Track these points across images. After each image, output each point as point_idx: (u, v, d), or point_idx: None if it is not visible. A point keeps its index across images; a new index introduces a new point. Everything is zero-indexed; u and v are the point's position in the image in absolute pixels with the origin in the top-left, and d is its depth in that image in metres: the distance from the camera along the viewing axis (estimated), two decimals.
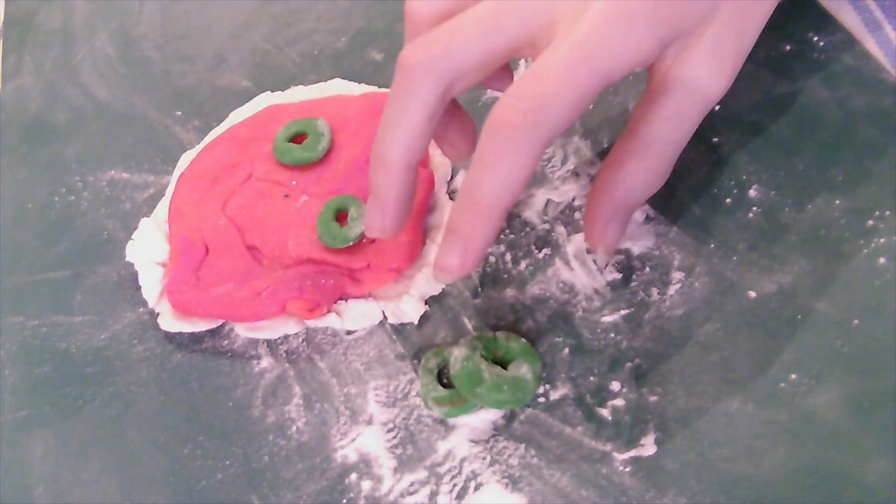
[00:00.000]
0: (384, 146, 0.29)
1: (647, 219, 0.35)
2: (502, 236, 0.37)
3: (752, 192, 0.35)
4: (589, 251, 0.35)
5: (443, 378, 0.34)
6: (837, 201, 0.34)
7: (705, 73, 0.28)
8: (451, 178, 0.39)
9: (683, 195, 0.35)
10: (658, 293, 0.33)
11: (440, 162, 0.39)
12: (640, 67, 0.28)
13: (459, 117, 0.33)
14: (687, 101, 0.29)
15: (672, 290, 0.33)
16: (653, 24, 0.26)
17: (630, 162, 0.29)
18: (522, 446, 0.32)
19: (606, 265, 0.33)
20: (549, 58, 0.26)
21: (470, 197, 0.27)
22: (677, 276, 0.34)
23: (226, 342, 0.37)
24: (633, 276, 0.34)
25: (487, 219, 0.27)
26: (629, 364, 0.32)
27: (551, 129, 0.25)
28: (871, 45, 0.37)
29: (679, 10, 0.27)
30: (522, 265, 0.36)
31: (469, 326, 0.35)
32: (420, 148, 0.29)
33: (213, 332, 0.38)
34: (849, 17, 0.38)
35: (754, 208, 0.34)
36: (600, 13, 0.26)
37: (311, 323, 0.36)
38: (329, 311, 0.36)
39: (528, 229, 0.37)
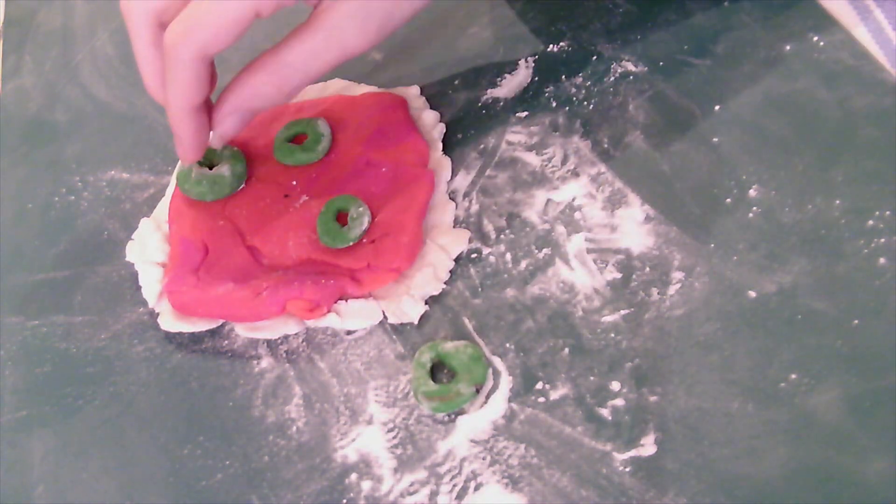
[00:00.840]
0: (171, 101, 0.33)
1: (647, 219, 0.35)
2: (502, 236, 0.37)
3: (752, 192, 0.35)
4: (589, 251, 0.35)
5: (435, 373, 0.34)
6: (837, 201, 0.34)
7: (349, 28, 0.32)
8: (452, 177, 0.39)
9: (683, 195, 0.35)
10: (658, 293, 0.33)
11: (440, 162, 0.39)
12: (291, 5, 0.32)
13: None
14: (327, 45, 0.32)
15: (672, 290, 0.33)
16: None
17: (262, 72, 0.33)
18: (522, 446, 0.32)
19: (221, 148, 0.38)
20: None
21: (169, 110, 0.33)
22: (677, 276, 0.34)
23: (226, 342, 0.37)
24: (633, 276, 0.34)
25: (180, 121, 0.34)
26: (629, 364, 0.32)
27: (202, 44, 0.31)
28: (870, 44, 0.37)
29: None
30: (522, 265, 0.36)
31: (469, 326, 0.35)
32: (199, 94, 0.33)
33: (213, 332, 0.38)
34: (849, 17, 0.38)
35: (754, 208, 0.34)
36: None
37: (311, 323, 0.36)
38: (329, 311, 0.36)
39: (528, 229, 0.37)
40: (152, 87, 0.35)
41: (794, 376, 0.31)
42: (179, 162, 0.41)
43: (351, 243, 0.36)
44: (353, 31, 0.32)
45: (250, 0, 0.31)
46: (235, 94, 0.34)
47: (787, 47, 0.38)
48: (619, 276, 0.34)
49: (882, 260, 0.32)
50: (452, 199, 0.38)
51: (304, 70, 0.33)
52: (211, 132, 0.35)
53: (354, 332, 0.36)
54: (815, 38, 0.38)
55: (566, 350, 0.33)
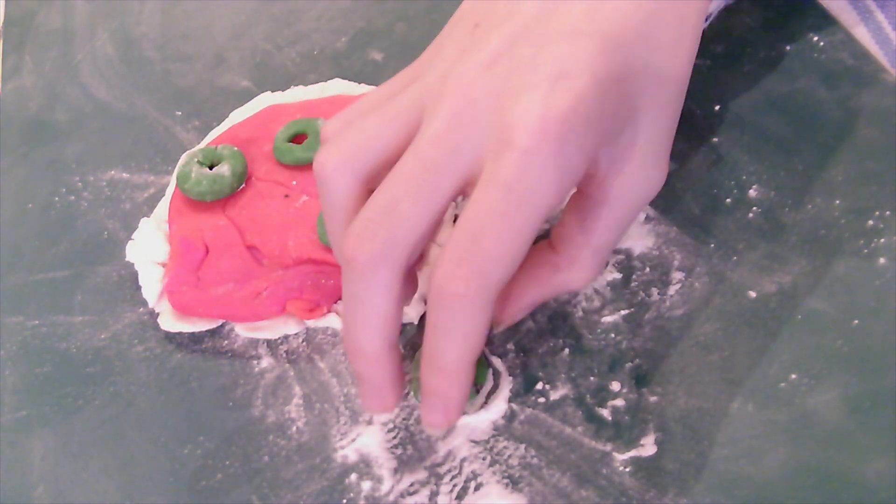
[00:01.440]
0: (361, 338, 0.27)
1: (647, 219, 0.35)
2: None
3: (752, 192, 0.35)
4: None
5: None
6: (837, 201, 0.34)
7: (645, 177, 0.27)
8: None
9: (683, 195, 0.35)
10: (658, 293, 0.33)
11: None
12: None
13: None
14: (629, 208, 0.28)
15: (672, 290, 0.33)
16: (583, 144, 0.24)
17: (573, 268, 0.28)
18: (522, 446, 0.32)
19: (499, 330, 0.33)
20: (479, 207, 0.24)
21: (436, 365, 0.26)
22: (677, 276, 0.34)
23: (226, 342, 0.37)
24: (633, 276, 0.34)
25: (457, 379, 0.27)
26: (629, 364, 0.32)
27: (496, 286, 0.25)
28: (870, 44, 0.37)
29: (606, 122, 0.25)
30: None
31: None
32: (396, 327, 0.27)
33: (213, 332, 0.38)
34: (848, 17, 0.38)
35: (754, 208, 0.34)
36: (525, 151, 0.24)
37: (311, 323, 0.36)
38: (329, 311, 0.36)
39: None
40: (371, 346, 0.27)
41: (794, 376, 0.31)
42: (180, 162, 0.41)
43: None
44: (651, 177, 0.28)
45: (545, 210, 0.24)
46: (540, 292, 0.29)
47: (787, 47, 0.38)
48: (619, 276, 0.34)
49: (882, 260, 0.32)
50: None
51: (614, 242, 0.29)
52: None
53: None
54: (815, 38, 0.38)
55: (566, 350, 0.33)
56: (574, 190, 0.28)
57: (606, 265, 0.31)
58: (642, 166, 0.27)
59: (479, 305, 0.25)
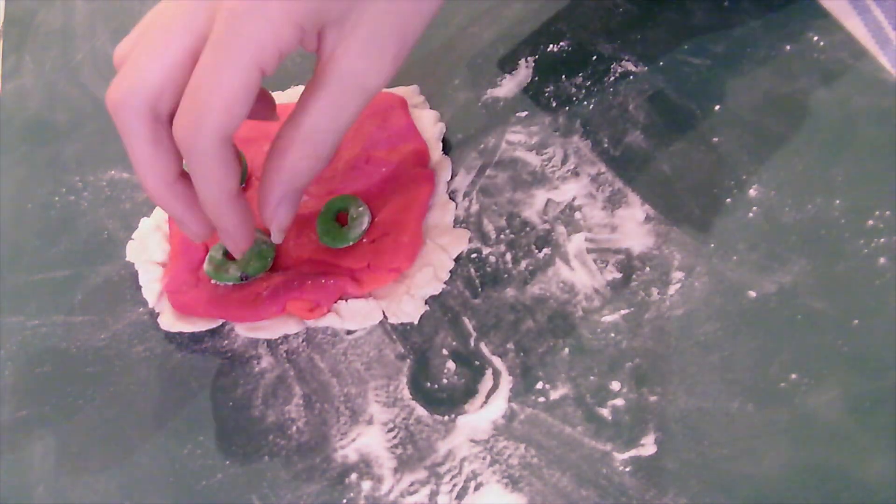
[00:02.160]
0: (142, 179, 0.31)
1: (647, 219, 0.35)
2: (502, 236, 0.37)
3: (752, 192, 0.35)
4: (589, 251, 0.35)
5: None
6: (837, 201, 0.34)
7: (363, 67, 0.29)
8: (452, 177, 0.39)
9: (683, 195, 0.35)
10: (658, 293, 0.33)
11: (440, 162, 0.39)
12: (294, 51, 0.29)
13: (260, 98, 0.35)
14: (346, 92, 0.30)
15: (672, 290, 0.33)
16: (289, 10, 0.27)
17: (293, 149, 0.30)
18: (522, 446, 0.32)
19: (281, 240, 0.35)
20: (198, 66, 0.28)
21: (206, 207, 0.31)
22: (677, 276, 0.34)
23: (226, 342, 0.37)
24: (633, 276, 0.34)
25: (220, 212, 0.31)
26: (629, 364, 0.32)
27: (218, 131, 0.28)
28: (871, 45, 0.37)
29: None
30: (522, 265, 0.36)
31: (469, 326, 0.35)
32: (163, 166, 0.30)
33: (213, 332, 0.38)
34: (849, 18, 0.38)
35: (754, 208, 0.34)
36: (229, 9, 0.27)
37: (311, 323, 0.36)
38: (329, 311, 0.36)
39: (528, 229, 0.37)
40: (156, 190, 0.31)
41: (794, 376, 0.31)
42: None
43: (351, 243, 0.36)
44: (371, 69, 0.29)
45: (250, 61, 0.27)
46: (276, 182, 0.31)
47: (787, 47, 0.38)
48: (619, 276, 0.34)
49: (882, 260, 0.32)
50: (452, 198, 0.38)
51: (334, 128, 0.30)
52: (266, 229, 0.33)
53: (354, 332, 0.36)
54: (815, 38, 0.38)
55: (566, 350, 0.33)
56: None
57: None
58: (363, 54, 0.29)
59: (206, 148, 0.28)
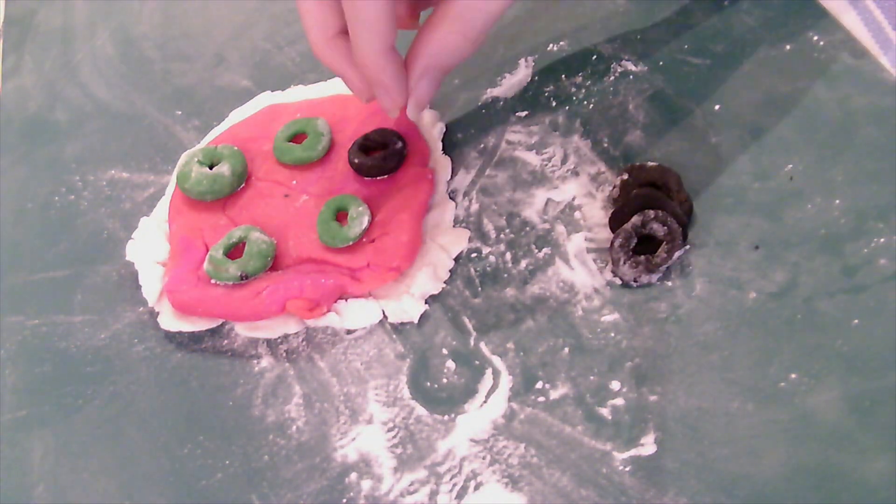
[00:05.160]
0: (363, 44, 0.31)
1: None
2: (502, 235, 0.37)
3: (751, 192, 0.35)
4: (589, 251, 0.35)
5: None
6: (837, 201, 0.34)
7: None
8: (451, 177, 0.39)
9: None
10: (658, 293, 0.33)
11: (440, 161, 0.39)
12: None
13: None
14: None
15: (672, 289, 0.33)
16: None
17: (444, 24, 0.31)
18: (522, 446, 0.32)
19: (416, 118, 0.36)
20: None
21: (360, 62, 0.31)
22: (677, 275, 0.34)
23: (226, 342, 0.37)
24: None
25: (379, 66, 0.31)
26: (629, 364, 0.32)
27: None
28: (871, 45, 0.37)
29: None
30: (522, 265, 0.36)
31: (469, 326, 0.35)
32: (388, 32, 0.31)
33: (213, 332, 0.38)
34: (849, 17, 0.38)
35: (755, 208, 0.34)
36: None
37: (311, 322, 0.36)
38: (329, 311, 0.36)
39: (528, 229, 0.37)
40: (317, 43, 0.33)
41: (794, 376, 0.31)
42: (179, 161, 0.41)
43: (351, 242, 0.36)
44: None
45: None
46: (422, 54, 0.31)
47: (787, 47, 0.38)
48: None
49: (882, 260, 0.32)
50: (452, 198, 0.38)
51: (486, 9, 0.30)
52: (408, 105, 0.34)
53: (354, 331, 0.36)
54: (815, 38, 0.38)
55: (566, 350, 0.33)
56: None
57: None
58: None
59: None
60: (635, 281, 0.34)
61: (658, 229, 0.33)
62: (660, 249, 0.33)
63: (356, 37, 0.30)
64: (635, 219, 0.33)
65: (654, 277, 0.34)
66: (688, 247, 0.34)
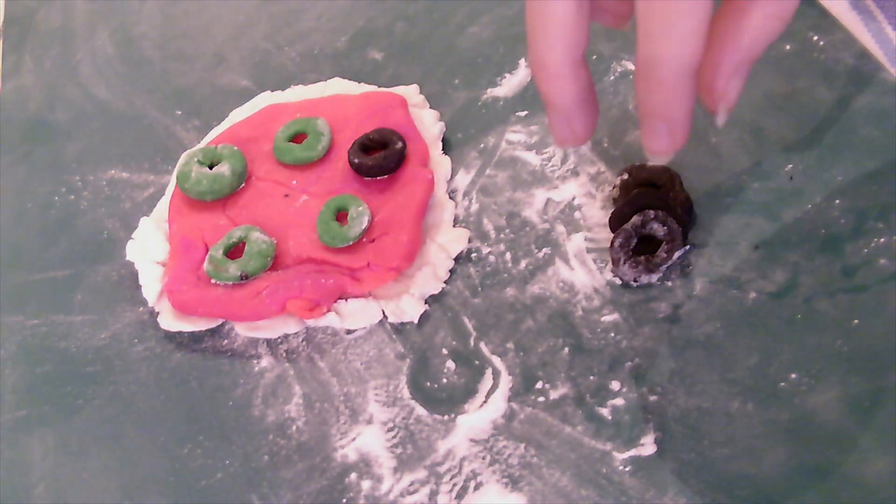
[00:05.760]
0: (541, 50, 0.25)
1: None
2: (502, 235, 0.37)
3: (751, 192, 0.35)
4: (589, 251, 0.35)
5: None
6: (837, 201, 0.34)
7: None
8: (451, 177, 0.39)
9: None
10: (658, 293, 0.33)
11: (440, 161, 0.39)
12: None
13: None
14: None
15: (672, 289, 0.33)
16: None
17: (757, 10, 0.25)
18: (522, 446, 0.32)
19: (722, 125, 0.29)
20: None
21: (653, 77, 0.24)
22: (677, 275, 0.34)
23: (226, 342, 0.37)
24: None
25: (679, 89, 0.24)
26: (629, 364, 0.32)
27: None
28: (871, 45, 0.37)
29: None
30: (522, 265, 0.36)
31: (469, 326, 0.35)
32: (580, 38, 0.25)
33: (213, 332, 0.38)
34: (849, 17, 0.38)
35: (755, 208, 0.34)
36: None
37: (311, 322, 0.36)
38: (329, 311, 0.36)
39: (527, 229, 0.37)
40: (560, 65, 0.25)
41: (794, 376, 0.31)
42: (179, 161, 0.41)
43: (351, 242, 0.36)
44: None
45: None
46: (734, 48, 0.25)
47: (787, 47, 0.38)
48: None
49: (882, 260, 0.32)
50: (452, 198, 0.38)
51: None
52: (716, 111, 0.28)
53: (354, 331, 0.36)
54: (815, 38, 0.38)
55: (566, 350, 0.33)
56: None
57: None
58: None
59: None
60: (635, 281, 0.34)
61: (658, 229, 0.33)
62: (660, 249, 0.33)
63: (531, 36, 0.25)
64: (635, 219, 0.33)
65: (654, 277, 0.34)
66: (688, 247, 0.34)
